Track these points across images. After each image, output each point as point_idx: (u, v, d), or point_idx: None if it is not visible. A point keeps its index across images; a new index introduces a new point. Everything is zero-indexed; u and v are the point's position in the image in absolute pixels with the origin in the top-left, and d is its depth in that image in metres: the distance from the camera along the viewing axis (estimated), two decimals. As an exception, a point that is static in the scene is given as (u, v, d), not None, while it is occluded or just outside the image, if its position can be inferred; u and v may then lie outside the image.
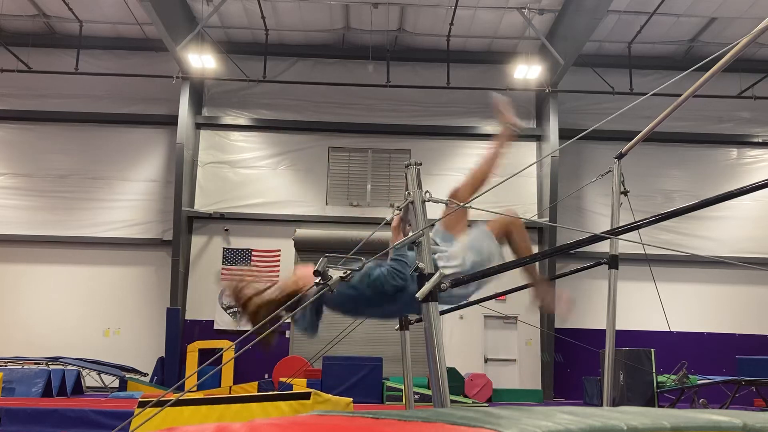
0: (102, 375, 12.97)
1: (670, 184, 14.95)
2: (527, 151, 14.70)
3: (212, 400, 4.63)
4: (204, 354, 12.94)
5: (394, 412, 1.42)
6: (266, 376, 12.25)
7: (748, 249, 14.44)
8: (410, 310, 3.03)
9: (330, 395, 5.00)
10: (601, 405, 4.67)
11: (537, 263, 3.01)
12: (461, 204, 2.70)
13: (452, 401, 3.96)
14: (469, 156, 14.37)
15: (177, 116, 14.28)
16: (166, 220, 14.42)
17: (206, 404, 4.46)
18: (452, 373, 11.76)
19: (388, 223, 2.70)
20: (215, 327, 14.15)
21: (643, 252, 3.77)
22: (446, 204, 2.50)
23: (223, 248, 14.55)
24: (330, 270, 2.38)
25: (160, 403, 3.71)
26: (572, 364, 14.05)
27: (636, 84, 14.02)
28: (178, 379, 12.70)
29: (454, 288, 2.45)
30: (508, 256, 2.95)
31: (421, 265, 2.35)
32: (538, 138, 14.92)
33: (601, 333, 4.05)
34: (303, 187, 14.77)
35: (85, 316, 14.19)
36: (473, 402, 11.54)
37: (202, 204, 14.59)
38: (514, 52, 14.71)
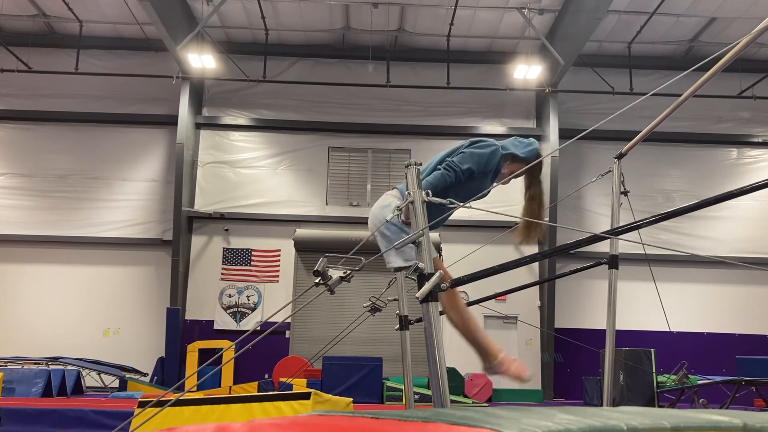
0: (102, 375, 12.97)
1: (670, 184, 14.95)
2: (527, 151, 14.67)
3: (212, 400, 4.63)
4: (204, 354, 12.95)
5: (394, 412, 1.42)
6: (266, 376, 12.25)
7: (748, 249, 14.44)
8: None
9: (330, 395, 5.00)
10: (601, 405, 4.67)
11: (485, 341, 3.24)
12: (461, 204, 2.70)
13: (452, 401, 3.96)
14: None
15: (177, 116, 14.28)
16: (166, 220, 14.42)
17: (206, 404, 4.46)
18: (452, 373, 11.75)
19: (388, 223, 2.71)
20: (215, 327, 14.15)
21: (643, 252, 3.77)
22: (446, 204, 2.50)
23: (223, 248, 14.54)
24: (330, 270, 2.38)
25: (160, 403, 3.71)
26: (572, 364, 14.05)
27: (636, 84, 14.02)
28: (178, 379, 12.70)
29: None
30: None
31: (421, 265, 2.36)
32: (538, 138, 14.88)
33: (601, 333, 4.05)
34: (303, 187, 14.77)
35: (85, 316, 14.19)
36: (473, 402, 11.54)
37: (202, 204, 14.58)
38: (514, 52, 14.72)
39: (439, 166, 3.01)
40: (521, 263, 2.93)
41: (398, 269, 3.11)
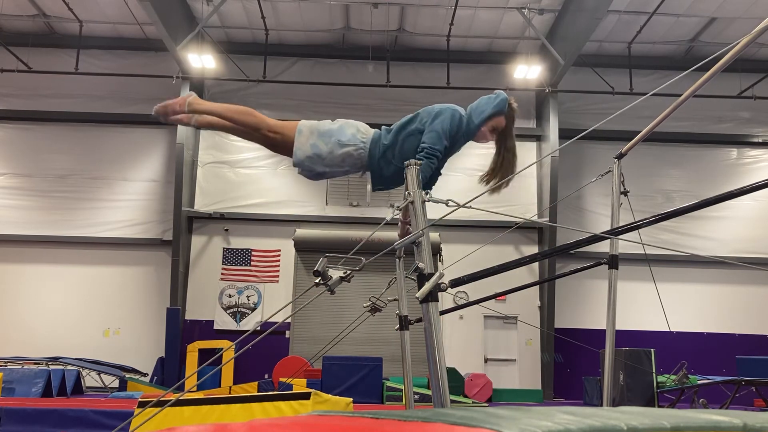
0: (102, 375, 12.97)
1: (670, 184, 14.96)
2: (527, 151, 14.69)
3: (212, 400, 4.63)
4: (204, 354, 12.95)
5: (394, 412, 1.42)
6: (266, 376, 12.26)
7: (748, 249, 14.44)
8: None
9: (330, 395, 5.00)
10: (601, 405, 4.67)
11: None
12: (461, 204, 2.70)
13: (452, 401, 3.96)
14: (469, 156, 14.37)
15: (177, 116, 14.26)
16: (166, 220, 14.42)
17: (206, 404, 4.46)
18: (452, 373, 11.76)
19: (389, 223, 2.71)
20: (215, 327, 14.15)
21: (643, 252, 3.77)
22: (446, 204, 2.50)
23: (223, 248, 14.54)
24: (330, 270, 2.38)
25: (160, 403, 3.71)
26: (572, 364, 14.06)
27: (636, 84, 14.02)
28: (178, 379, 12.70)
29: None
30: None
31: (420, 265, 2.35)
32: (538, 138, 14.92)
33: (601, 333, 4.05)
34: (303, 187, 14.76)
35: (85, 316, 14.19)
36: (473, 402, 11.54)
37: (202, 204, 14.59)
38: (514, 52, 14.72)
39: (419, 155, 2.99)
40: (521, 263, 2.94)
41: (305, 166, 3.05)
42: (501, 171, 3.17)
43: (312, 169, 3.10)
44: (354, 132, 3.12)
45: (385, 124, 2.94)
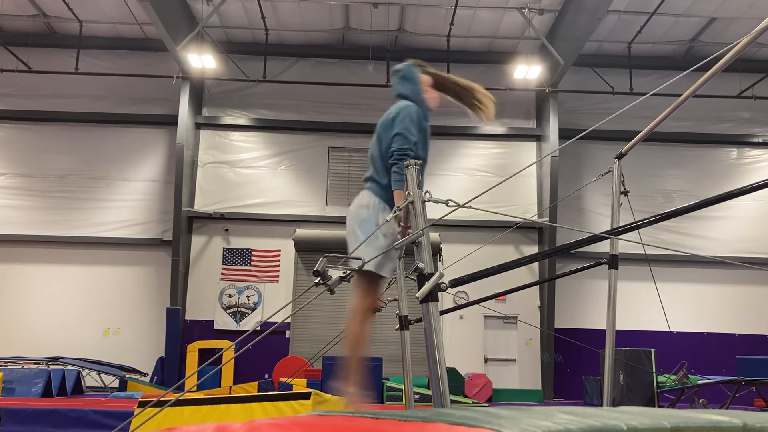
0: (102, 375, 12.97)
1: (670, 184, 14.95)
2: (527, 151, 14.69)
3: (212, 400, 4.63)
4: (204, 354, 12.96)
5: (394, 412, 1.42)
6: (266, 376, 12.26)
7: (748, 249, 14.44)
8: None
9: (330, 395, 5.00)
10: (601, 405, 4.67)
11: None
12: (461, 204, 2.70)
13: (452, 401, 3.96)
14: (469, 156, 14.40)
15: (177, 116, 14.28)
16: (166, 220, 14.42)
17: (206, 404, 4.46)
18: (452, 373, 11.75)
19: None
20: (215, 327, 14.15)
21: (643, 252, 3.78)
22: (446, 204, 2.51)
23: (223, 248, 14.54)
24: (330, 270, 2.38)
25: (160, 403, 3.71)
26: (572, 364, 14.05)
27: (636, 84, 14.02)
28: (178, 379, 12.70)
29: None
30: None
31: (421, 265, 2.36)
32: (538, 138, 14.91)
33: (601, 333, 4.05)
34: (303, 187, 14.77)
35: (85, 316, 14.19)
36: (473, 402, 11.53)
37: (202, 204, 14.59)
38: (514, 52, 14.71)
39: (390, 160, 3.03)
40: (521, 263, 2.94)
41: (366, 272, 2.98)
42: (468, 97, 3.30)
43: (394, 262, 3.15)
44: (368, 209, 3.14)
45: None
